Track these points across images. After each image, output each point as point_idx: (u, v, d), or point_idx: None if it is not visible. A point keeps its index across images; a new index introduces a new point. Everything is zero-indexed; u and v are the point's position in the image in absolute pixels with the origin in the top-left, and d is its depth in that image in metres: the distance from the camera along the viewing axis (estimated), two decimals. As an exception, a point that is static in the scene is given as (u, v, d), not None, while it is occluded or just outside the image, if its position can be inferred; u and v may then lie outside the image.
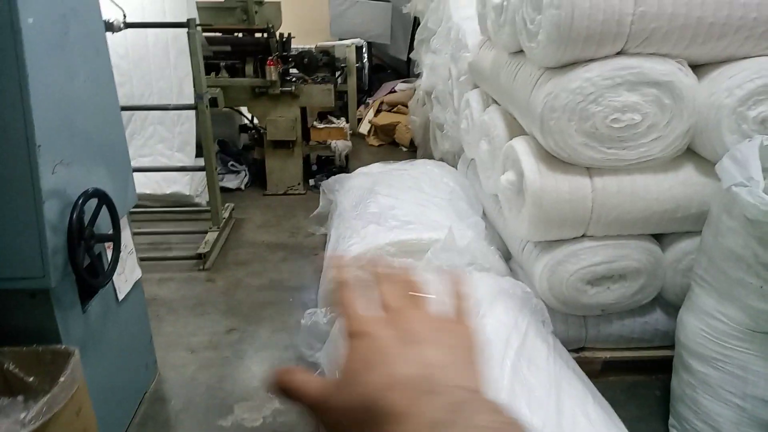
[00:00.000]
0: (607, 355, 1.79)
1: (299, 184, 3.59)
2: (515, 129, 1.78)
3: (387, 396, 0.27)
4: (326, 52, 3.74)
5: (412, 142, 4.28)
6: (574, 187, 1.52)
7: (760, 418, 1.28)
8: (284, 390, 0.33)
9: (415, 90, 4.16)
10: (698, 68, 1.44)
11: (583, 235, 1.61)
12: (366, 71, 5.12)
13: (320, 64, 3.48)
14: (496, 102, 2.07)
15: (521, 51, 1.68)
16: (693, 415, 1.41)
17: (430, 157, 3.36)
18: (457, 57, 2.50)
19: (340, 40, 4.75)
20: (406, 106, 4.44)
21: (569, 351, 1.73)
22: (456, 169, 2.71)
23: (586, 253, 1.61)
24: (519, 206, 1.65)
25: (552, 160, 1.53)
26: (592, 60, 1.37)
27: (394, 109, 4.75)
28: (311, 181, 3.66)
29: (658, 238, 1.66)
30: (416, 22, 3.88)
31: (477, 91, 2.25)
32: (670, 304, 1.71)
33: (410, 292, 0.36)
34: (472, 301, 0.36)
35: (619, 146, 1.41)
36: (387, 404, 0.27)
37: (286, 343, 2.10)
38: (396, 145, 4.56)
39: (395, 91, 4.98)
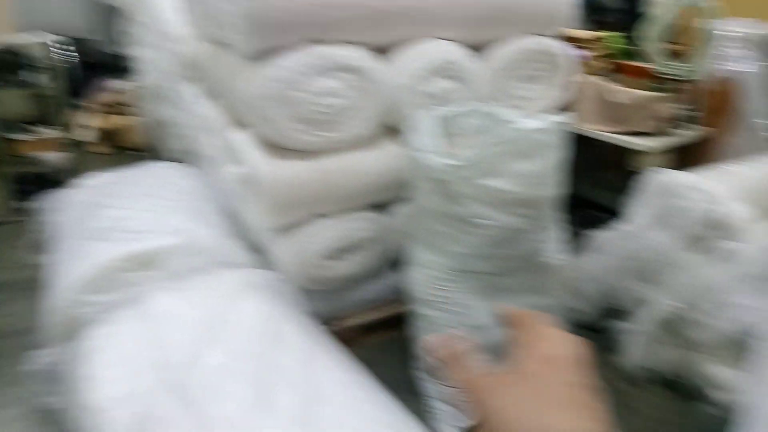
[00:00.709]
0: (361, 320, 1.95)
1: (6, 209, 3.03)
2: (235, 120, 1.78)
3: None
4: (13, 50, 3.19)
5: (144, 145, 3.95)
6: (299, 170, 1.59)
7: (475, 342, 1.53)
8: (448, 367, 0.35)
9: (138, 88, 3.84)
10: (385, 52, 1.62)
11: (318, 215, 1.71)
12: (76, 70, 4.51)
13: (8, 64, 2.96)
14: (213, 94, 2.03)
15: (226, 42, 1.67)
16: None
17: (166, 158, 3.15)
18: (168, 50, 2.38)
19: (33, 34, 4.08)
20: (132, 106, 4.08)
21: (326, 324, 1.84)
22: (194, 168, 2.59)
23: (323, 231, 1.71)
24: (252, 196, 1.67)
25: (274, 147, 1.58)
26: (290, 48, 1.43)
27: (120, 111, 4.31)
28: (23, 204, 3.12)
29: (384, 206, 1.85)
30: (120, 13, 3.56)
31: (193, 84, 2.18)
32: (402, 263, 1.93)
33: None
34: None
35: (329, 129, 1.52)
36: None
37: (20, 396, 1.80)
38: (127, 150, 4.16)
39: (117, 91, 4.51)
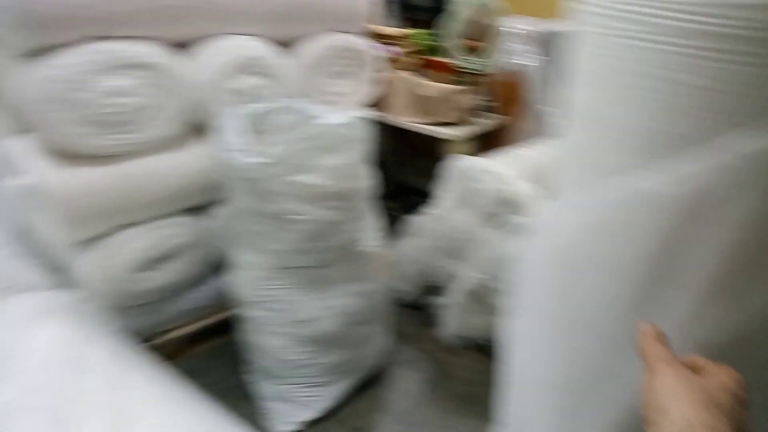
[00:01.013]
0: (186, 330, 1.85)
1: None
2: (15, 125, 1.57)
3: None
4: None
5: None
6: (94, 178, 1.45)
7: (304, 335, 1.54)
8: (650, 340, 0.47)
9: None
10: (185, 48, 1.55)
11: (124, 224, 1.58)
12: None
13: None
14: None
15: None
16: (256, 356, 1.61)
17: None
18: None
19: None
20: None
21: (146, 340, 1.71)
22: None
23: (132, 241, 1.59)
24: (42, 210, 1.49)
25: (63, 153, 1.42)
26: (70, 45, 1.29)
27: None
28: None
29: (201, 209, 1.77)
30: None
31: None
32: (225, 267, 1.87)
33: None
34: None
35: (125, 130, 1.40)
36: None
37: None
38: None
39: None
